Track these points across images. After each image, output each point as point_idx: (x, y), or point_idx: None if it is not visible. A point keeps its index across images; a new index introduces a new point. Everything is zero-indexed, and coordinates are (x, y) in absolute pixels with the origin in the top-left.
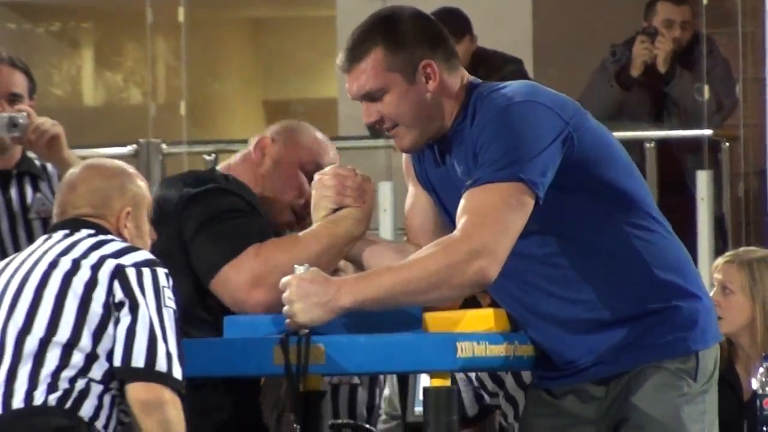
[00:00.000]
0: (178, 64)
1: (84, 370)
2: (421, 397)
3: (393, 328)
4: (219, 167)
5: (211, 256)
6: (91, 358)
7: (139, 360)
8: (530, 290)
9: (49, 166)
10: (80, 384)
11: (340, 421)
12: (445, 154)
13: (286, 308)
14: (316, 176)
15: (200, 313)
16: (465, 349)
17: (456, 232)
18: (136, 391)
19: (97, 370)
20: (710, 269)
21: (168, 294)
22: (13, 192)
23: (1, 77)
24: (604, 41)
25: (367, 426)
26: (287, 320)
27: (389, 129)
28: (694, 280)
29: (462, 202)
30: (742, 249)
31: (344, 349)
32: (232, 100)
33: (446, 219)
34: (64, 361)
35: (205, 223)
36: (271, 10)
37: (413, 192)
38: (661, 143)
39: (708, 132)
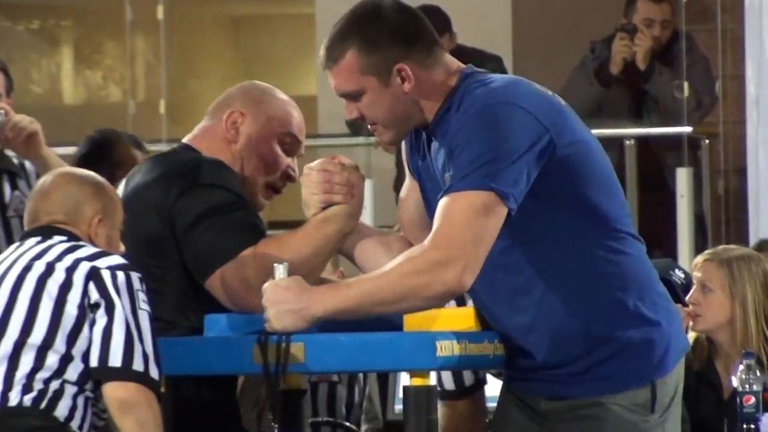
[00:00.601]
0: (157, 62)
1: (59, 372)
2: (401, 395)
3: (373, 326)
4: (185, 139)
5: (205, 256)
6: (65, 359)
7: (116, 360)
8: (491, 294)
9: (28, 164)
10: (55, 385)
11: (319, 419)
12: (431, 144)
13: (264, 313)
14: (305, 170)
15: (192, 304)
16: (444, 348)
17: (425, 242)
18: (113, 390)
19: (72, 372)
20: (690, 267)
21: (142, 297)
22: None
23: None
24: (584, 38)
25: (347, 424)
26: (265, 324)
27: (369, 125)
28: (657, 305)
29: (437, 207)
30: (721, 247)
31: (324, 348)
32: (212, 97)
33: (428, 213)
34: (39, 362)
35: (200, 219)
36: (251, 7)
37: (408, 184)
38: (641, 140)
39: (687, 129)
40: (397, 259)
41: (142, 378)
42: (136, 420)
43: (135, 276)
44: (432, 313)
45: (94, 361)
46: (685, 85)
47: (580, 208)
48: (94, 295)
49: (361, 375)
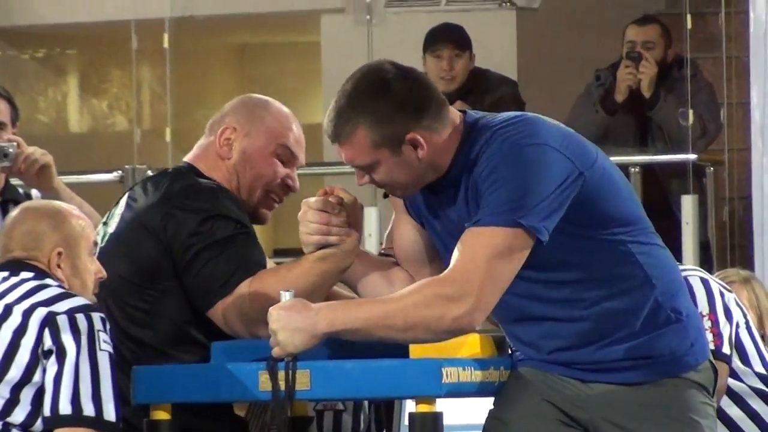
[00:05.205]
0: (163, 91)
1: (2, 414)
2: (406, 422)
3: (379, 353)
4: (187, 158)
5: (205, 290)
6: (11, 403)
7: (66, 408)
8: (532, 312)
9: (34, 193)
10: None
11: None
12: (439, 193)
13: (271, 339)
14: (303, 206)
15: (193, 333)
16: (450, 375)
17: (443, 273)
18: None
19: (18, 414)
20: None
21: (103, 338)
22: None
23: None
24: (588, 65)
25: None
26: (273, 350)
27: (381, 186)
28: (686, 295)
29: (459, 241)
30: (725, 271)
31: (330, 375)
32: None
33: (442, 252)
34: None
35: (200, 251)
36: (256, 36)
37: (400, 219)
38: (646, 168)
39: (693, 156)
40: (411, 287)
41: (95, 423)
42: None
43: (96, 317)
44: None
45: (46, 411)
46: (690, 112)
47: (613, 221)
48: (48, 342)
49: (366, 403)
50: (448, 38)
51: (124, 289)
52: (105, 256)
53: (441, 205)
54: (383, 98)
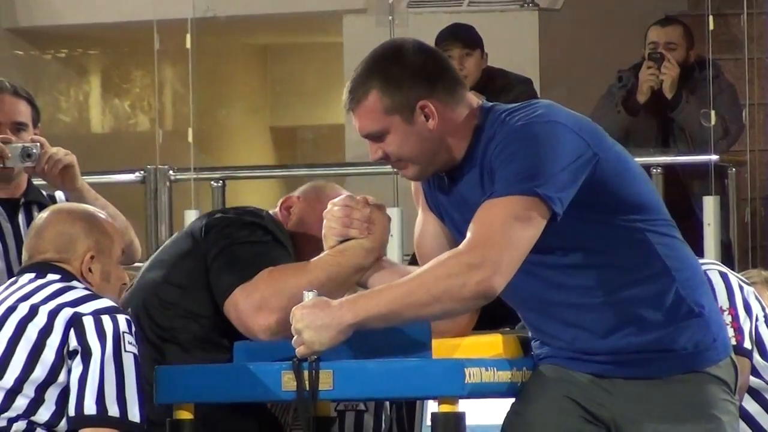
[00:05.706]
0: (185, 91)
1: (27, 413)
2: (428, 422)
3: (401, 353)
4: None
5: (225, 280)
6: (36, 402)
7: (90, 408)
8: (549, 299)
9: (59, 195)
10: (20, 425)
11: None
12: (457, 179)
13: (295, 338)
14: (328, 205)
15: (220, 339)
16: (473, 375)
17: (461, 245)
18: None
19: (43, 413)
20: None
21: (128, 339)
22: (21, 219)
23: (5, 107)
24: (611, 66)
25: None
26: (298, 349)
27: (394, 162)
28: (708, 287)
29: (475, 214)
30: (747, 272)
31: (352, 375)
32: (240, 126)
33: (460, 242)
34: (7, 403)
35: (225, 249)
36: (279, 36)
37: (423, 217)
38: (668, 169)
39: (714, 157)
40: (429, 263)
41: (120, 423)
42: None
43: (122, 318)
44: (461, 340)
45: (71, 411)
46: (712, 113)
47: (629, 205)
48: (73, 342)
49: (387, 403)
50: (457, 37)
51: (159, 286)
52: (151, 262)
53: (459, 192)
54: (397, 64)
